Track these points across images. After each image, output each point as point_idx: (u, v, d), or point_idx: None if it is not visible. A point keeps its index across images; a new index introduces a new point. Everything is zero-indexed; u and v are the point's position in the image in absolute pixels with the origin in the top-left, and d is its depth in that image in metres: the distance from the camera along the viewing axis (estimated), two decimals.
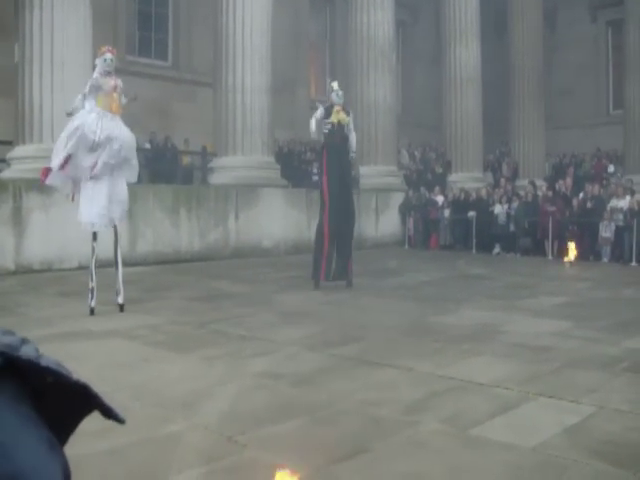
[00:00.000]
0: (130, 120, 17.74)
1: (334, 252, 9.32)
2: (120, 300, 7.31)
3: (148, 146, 17.40)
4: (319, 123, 9.29)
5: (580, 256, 14.56)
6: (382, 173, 18.08)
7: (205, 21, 17.87)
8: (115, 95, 7.27)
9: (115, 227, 7.46)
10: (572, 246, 14.15)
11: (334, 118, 9.23)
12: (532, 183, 17.61)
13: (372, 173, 17.68)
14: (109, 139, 7.06)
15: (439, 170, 20.87)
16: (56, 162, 7.09)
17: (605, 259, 14.61)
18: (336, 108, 9.33)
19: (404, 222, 18.03)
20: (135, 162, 7.58)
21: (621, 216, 14.68)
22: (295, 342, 5.71)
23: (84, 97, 7.30)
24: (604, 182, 18.73)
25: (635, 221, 14.14)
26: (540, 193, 17.21)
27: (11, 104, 12.66)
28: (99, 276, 10.57)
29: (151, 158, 17.34)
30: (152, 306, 7.76)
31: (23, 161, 11.82)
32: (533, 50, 23.36)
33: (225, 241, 13.68)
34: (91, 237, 7.34)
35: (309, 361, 5.09)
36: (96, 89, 7.18)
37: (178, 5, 19.88)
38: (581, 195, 16.38)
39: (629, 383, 4.67)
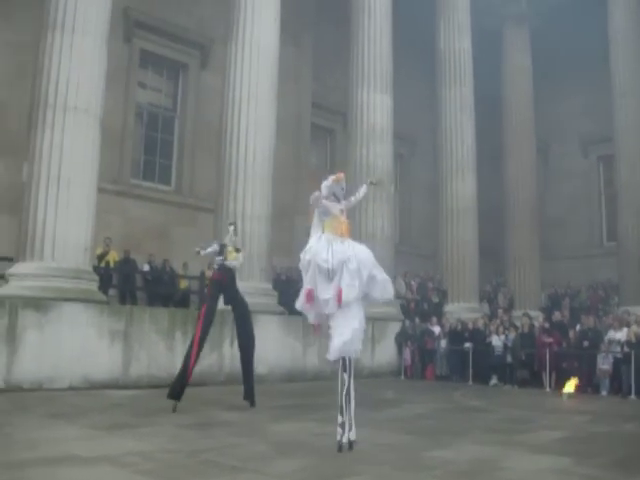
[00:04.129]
0: (131, 242, 18.09)
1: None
2: (352, 436, 6.67)
3: (147, 268, 17.52)
4: (210, 255, 10.40)
5: (578, 389, 14.40)
6: (379, 302, 18.10)
7: (209, 148, 18.39)
8: (342, 218, 7.11)
9: (350, 359, 6.80)
10: (573, 382, 13.99)
11: (227, 258, 10.13)
12: (526, 315, 17.65)
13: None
14: (343, 262, 6.73)
15: (435, 300, 20.93)
16: (301, 299, 6.96)
17: (604, 392, 14.44)
18: (229, 249, 10.20)
19: (400, 352, 17.90)
20: (382, 277, 7.02)
21: (619, 348, 14.61)
22: (288, 475, 5.55)
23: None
24: (600, 313, 18.77)
25: (633, 353, 14.07)
26: (537, 324, 17.21)
27: (15, 221, 12.90)
28: (89, 397, 10.46)
29: (150, 281, 17.44)
30: (143, 432, 7.58)
31: (23, 278, 11.88)
32: (527, 182, 24.05)
33: (219, 366, 13.52)
34: (340, 367, 6.76)
35: None
36: (324, 214, 7.08)
37: (183, 132, 20.50)
38: (578, 326, 16.37)
39: None
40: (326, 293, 6.71)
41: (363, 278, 6.75)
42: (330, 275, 6.70)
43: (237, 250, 10.38)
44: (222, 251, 10.16)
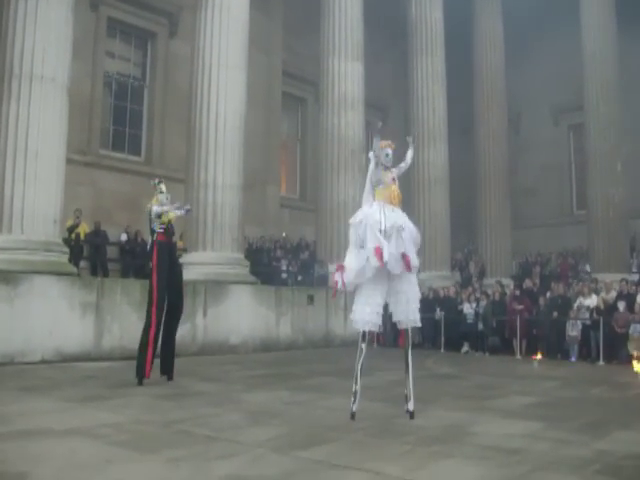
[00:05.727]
0: (101, 213, 17.88)
1: (157, 348, 9.34)
2: (410, 407, 6.80)
3: (125, 237, 17.48)
4: (152, 220, 9.52)
5: (548, 355, 14.62)
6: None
7: (179, 118, 18.22)
8: (394, 187, 6.94)
9: (406, 330, 6.92)
10: (540, 353, 14.32)
11: (166, 218, 9.49)
12: (499, 283, 17.80)
13: None
14: (396, 228, 6.60)
15: None
16: (372, 259, 6.53)
17: (573, 358, 14.67)
18: (166, 210, 9.53)
19: None
20: (414, 255, 6.82)
21: (587, 314, 14.83)
22: (261, 444, 5.58)
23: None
24: (570, 281, 19.00)
25: (601, 319, 14.28)
26: (507, 292, 17.38)
27: None
28: (61, 370, 10.41)
29: (128, 251, 17.40)
30: (116, 403, 7.57)
31: None
32: (498, 151, 24.08)
33: (192, 337, 13.51)
34: (359, 337, 6.78)
35: (275, 464, 4.96)
36: (377, 182, 6.91)
37: (153, 102, 20.28)
38: (548, 294, 16.57)
39: None
40: (387, 248, 6.49)
41: (406, 248, 6.63)
42: (384, 236, 6.56)
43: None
44: (161, 215, 9.44)
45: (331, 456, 5.21)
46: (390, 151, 7.03)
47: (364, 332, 6.76)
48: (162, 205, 9.52)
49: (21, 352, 11.18)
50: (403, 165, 7.41)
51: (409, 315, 6.81)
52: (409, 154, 7.49)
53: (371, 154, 7.02)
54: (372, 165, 6.99)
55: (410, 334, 6.98)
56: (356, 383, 6.72)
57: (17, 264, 11.55)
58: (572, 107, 25.24)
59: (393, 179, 6.97)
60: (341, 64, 19.02)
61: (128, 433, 5.94)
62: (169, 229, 9.58)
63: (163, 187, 9.74)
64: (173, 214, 9.65)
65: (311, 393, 8.77)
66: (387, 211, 6.73)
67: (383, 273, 6.65)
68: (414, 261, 6.68)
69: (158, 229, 9.48)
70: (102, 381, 9.50)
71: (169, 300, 9.51)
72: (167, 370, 9.56)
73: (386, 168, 7.00)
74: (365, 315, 6.67)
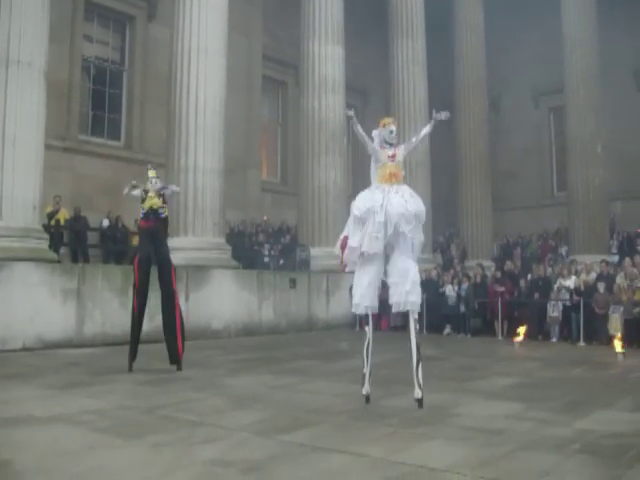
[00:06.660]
0: (81, 199, 17.72)
1: (140, 334, 9.39)
2: (416, 395, 6.52)
3: (107, 223, 17.38)
4: (136, 197, 9.58)
5: (529, 336, 14.73)
6: (333, 255, 18.08)
7: (158, 102, 18.07)
8: (390, 164, 6.75)
9: (408, 312, 6.80)
10: (522, 330, 14.35)
11: (147, 204, 9.43)
12: (480, 265, 17.88)
13: (323, 254, 17.70)
14: (371, 212, 6.54)
15: None
16: (337, 244, 6.89)
17: (554, 339, 14.79)
18: (150, 194, 9.48)
19: None
20: (417, 237, 6.85)
21: (568, 295, 14.94)
22: (245, 428, 5.59)
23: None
24: (550, 262, 19.11)
25: (581, 301, 14.40)
26: (489, 274, 17.48)
27: None
28: (43, 357, 10.36)
29: (109, 236, 17.31)
30: (99, 390, 7.55)
31: None
32: (479, 134, 24.06)
33: None
34: (363, 321, 6.78)
35: (259, 448, 4.97)
36: (376, 162, 6.83)
37: (132, 86, 20.11)
38: (529, 276, 16.68)
39: (581, 465, 4.66)
40: (354, 241, 6.67)
41: (387, 232, 6.59)
42: (360, 222, 6.64)
43: (160, 196, 9.58)
44: (144, 198, 9.47)
45: (314, 439, 5.23)
46: (394, 127, 6.98)
47: (366, 315, 6.80)
48: (149, 190, 9.52)
49: (2, 339, 11.11)
50: (414, 139, 7.22)
51: (400, 298, 6.74)
52: (425, 129, 7.27)
53: (375, 132, 6.98)
54: (375, 144, 6.93)
55: (412, 319, 6.78)
56: (365, 366, 6.72)
57: None
58: (552, 90, 25.20)
59: (392, 156, 6.83)
60: (321, 47, 18.93)
61: (111, 419, 5.93)
62: (148, 214, 9.50)
63: (149, 173, 9.70)
64: (156, 200, 9.57)
65: (294, 377, 8.79)
66: (375, 193, 6.70)
67: (379, 255, 6.72)
68: (374, 245, 6.63)
69: (140, 214, 9.53)
70: (84, 368, 9.47)
71: (159, 285, 9.53)
72: (172, 357, 9.31)
73: (389, 145, 6.92)
74: (359, 298, 6.75)
